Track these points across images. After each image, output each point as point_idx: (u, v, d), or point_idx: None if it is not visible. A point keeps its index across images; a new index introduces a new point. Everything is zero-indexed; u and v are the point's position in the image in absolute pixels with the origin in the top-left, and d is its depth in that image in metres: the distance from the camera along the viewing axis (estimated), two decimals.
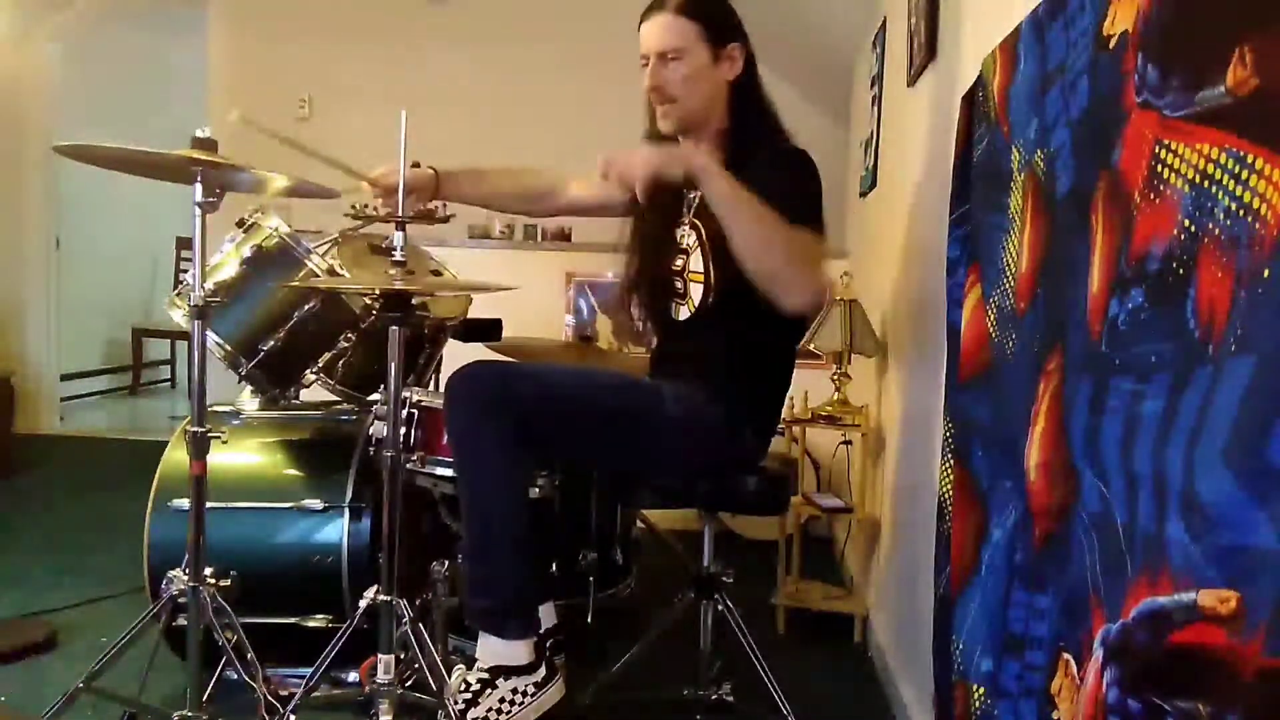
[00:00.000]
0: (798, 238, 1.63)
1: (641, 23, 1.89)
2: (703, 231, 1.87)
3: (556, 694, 1.71)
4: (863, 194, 3.30)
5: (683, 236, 1.93)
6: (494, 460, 1.68)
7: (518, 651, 1.68)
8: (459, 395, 1.70)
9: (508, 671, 1.66)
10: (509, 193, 2.21)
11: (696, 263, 1.89)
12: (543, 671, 1.69)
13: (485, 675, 1.65)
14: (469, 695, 1.63)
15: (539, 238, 4.31)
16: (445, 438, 1.87)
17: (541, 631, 1.74)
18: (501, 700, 1.64)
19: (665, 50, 1.84)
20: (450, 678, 1.68)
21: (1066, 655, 0.99)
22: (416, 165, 2.52)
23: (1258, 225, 0.68)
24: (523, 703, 1.66)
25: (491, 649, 1.68)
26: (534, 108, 4.50)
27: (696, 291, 1.89)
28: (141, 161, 1.68)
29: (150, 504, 2.06)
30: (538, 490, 1.89)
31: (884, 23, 2.85)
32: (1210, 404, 0.72)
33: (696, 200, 1.90)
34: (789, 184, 1.75)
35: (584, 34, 4.44)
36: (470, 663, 1.70)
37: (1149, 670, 0.80)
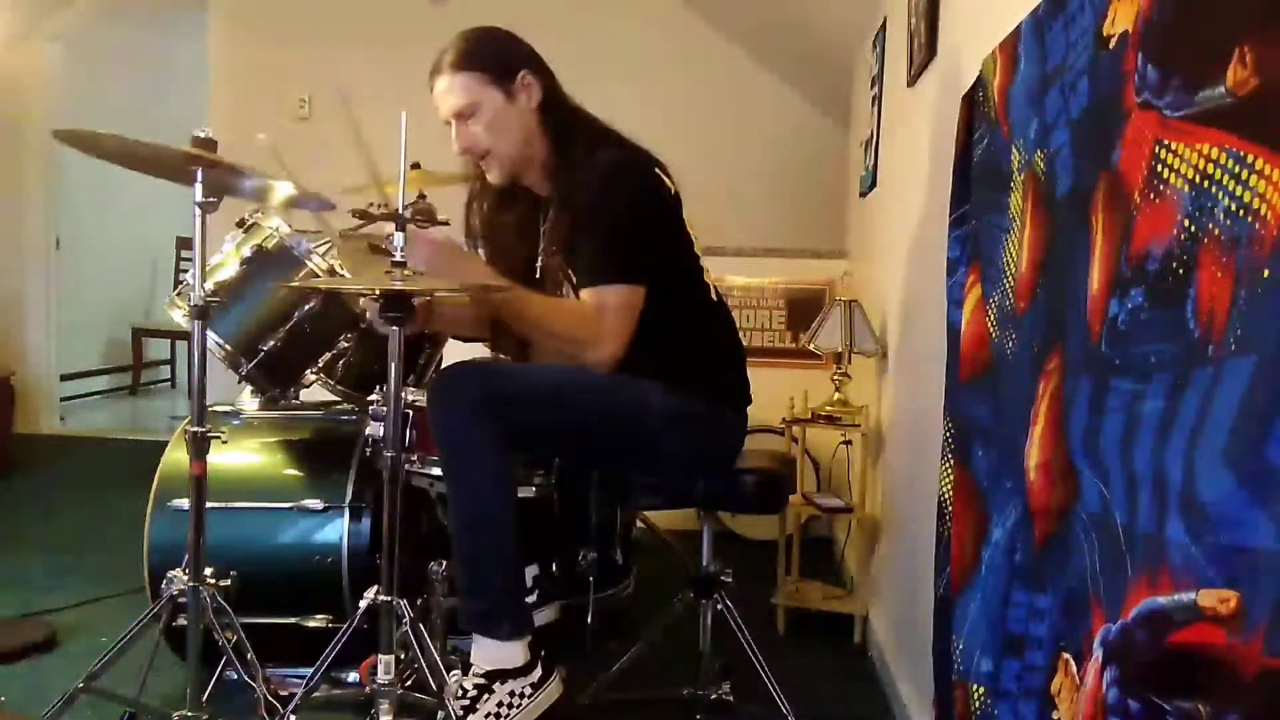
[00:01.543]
0: (571, 322, 1.76)
1: (431, 90, 1.87)
2: (556, 260, 1.88)
3: (554, 694, 1.71)
4: (863, 194, 3.30)
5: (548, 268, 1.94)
6: (481, 464, 1.68)
7: (513, 654, 1.68)
8: (443, 400, 1.69)
9: (504, 675, 1.66)
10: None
11: (568, 291, 1.89)
12: (538, 672, 1.69)
13: (482, 680, 1.65)
14: (466, 701, 1.63)
15: None
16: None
17: (537, 628, 1.74)
18: (499, 704, 1.64)
19: (459, 111, 1.83)
20: (449, 679, 1.68)
21: (1066, 655, 0.99)
22: (416, 166, 2.52)
23: (1258, 225, 0.68)
24: (520, 705, 1.66)
25: (486, 653, 1.68)
26: None
27: None
28: (142, 155, 1.67)
29: (150, 504, 2.06)
30: (535, 490, 1.89)
31: (884, 23, 2.85)
32: (1210, 404, 0.72)
33: (547, 228, 1.91)
34: (594, 232, 1.77)
35: (584, 34, 4.44)
36: (467, 666, 1.70)
37: (1149, 670, 0.80)
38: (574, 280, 1.84)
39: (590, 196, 1.78)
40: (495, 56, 1.85)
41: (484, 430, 1.66)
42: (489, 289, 1.79)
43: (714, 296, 1.96)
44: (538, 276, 1.94)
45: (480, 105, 1.82)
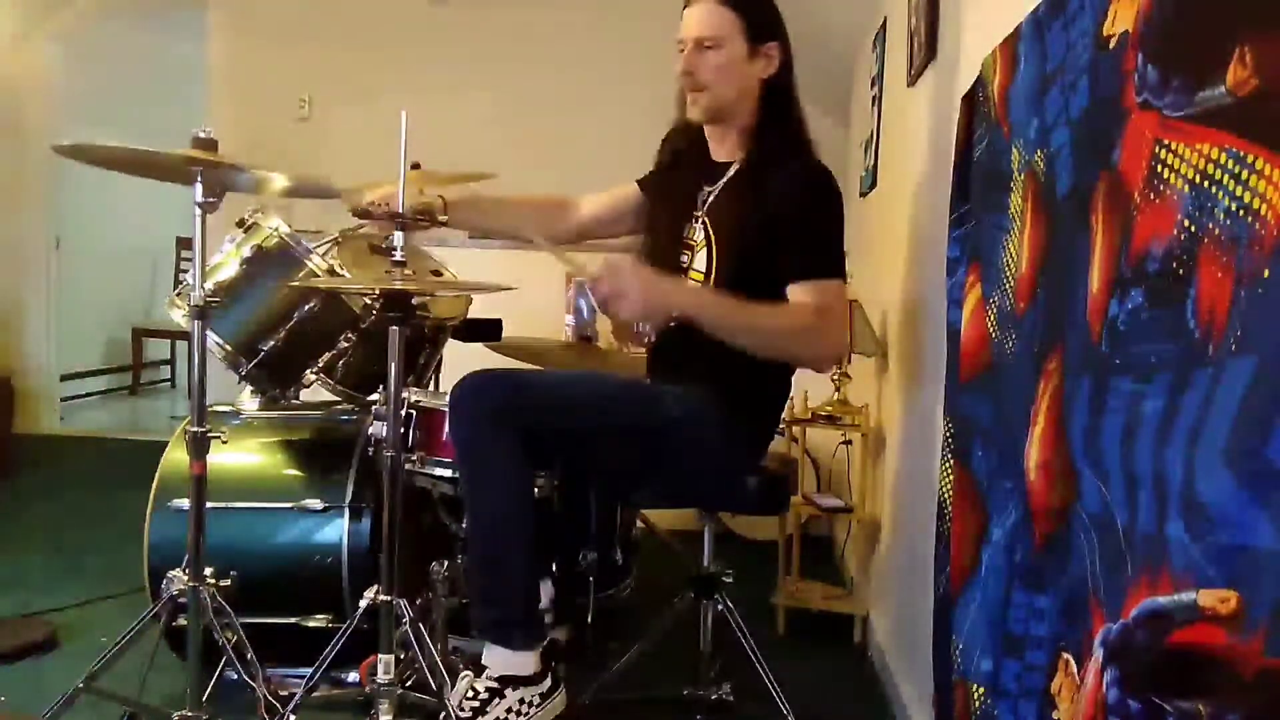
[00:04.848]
0: (794, 318, 1.73)
1: (685, 6, 1.88)
2: (711, 231, 1.87)
3: (559, 706, 1.73)
4: (863, 194, 3.30)
5: (691, 233, 1.92)
6: (502, 475, 1.68)
7: (526, 661, 1.69)
8: (464, 411, 1.70)
9: (516, 682, 1.68)
10: (524, 217, 2.14)
11: (700, 261, 1.88)
12: (548, 682, 1.71)
13: (494, 684, 1.67)
14: (476, 704, 1.64)
15: None
16: (444, 438, 1.87)
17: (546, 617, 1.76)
18: (509, 710, 1.66)
19: (703, 37, 1.84)
20: (456, 679, 1.69)
21: (1066, 655, 0.99)
22: (416, 166, 2.52)
23: (1258, 225, 0.68)
24: (528, 713, 1.67)
25: (500, 658, 1.69)
26: (535, 108, 4.50)
27: None
28: (141, 161, 1.68)
29: (150, 504, 2.06)
30: (537, 490, 1.89)
31: (884, 23, 2.85)
32: (1210, 404, 0.72)
33: (710, 197, 1.90)
34: (812, 230, 1.78)
35: (585, 33, 4.44)
36: (474, 663, 1.71)
37: (1149, 670, 0.80)
38: (714, 250, 1.84)
39: (808, 196, 1.79)
40: (759, 13, 1.87)
41: (504, 441, 1.67)
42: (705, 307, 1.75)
43: None
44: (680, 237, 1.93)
45: (723, 42, 1.83)
